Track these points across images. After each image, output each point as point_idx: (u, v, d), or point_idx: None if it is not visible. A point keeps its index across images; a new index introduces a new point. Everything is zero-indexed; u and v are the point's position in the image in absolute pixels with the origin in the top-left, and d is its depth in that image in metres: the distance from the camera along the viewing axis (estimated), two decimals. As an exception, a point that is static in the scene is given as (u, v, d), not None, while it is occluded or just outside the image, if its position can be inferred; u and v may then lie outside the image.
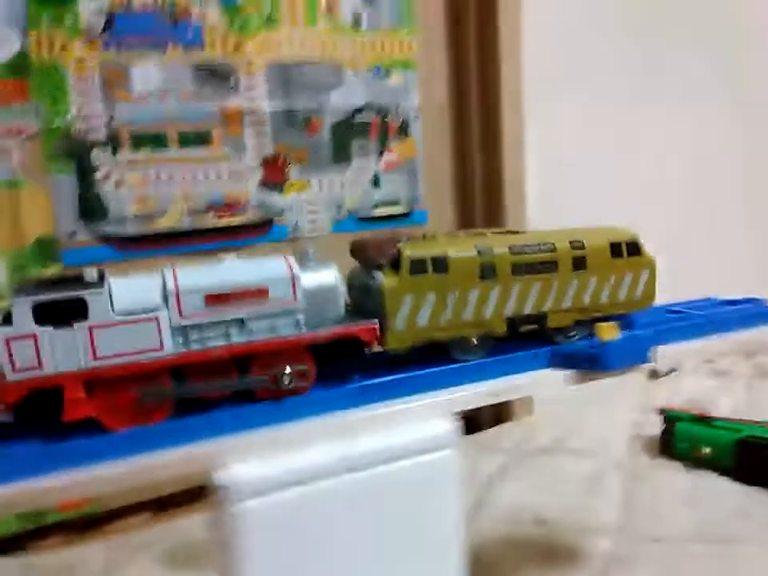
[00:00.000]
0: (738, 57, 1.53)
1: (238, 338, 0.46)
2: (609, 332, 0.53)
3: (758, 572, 0.75)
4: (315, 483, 0.44)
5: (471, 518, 0.90)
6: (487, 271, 0.53)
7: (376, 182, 1.10)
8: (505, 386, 0.54)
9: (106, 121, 0.88)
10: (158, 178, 0.91)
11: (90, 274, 0.45)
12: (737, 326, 0.62)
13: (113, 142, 0.89)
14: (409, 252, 0.51)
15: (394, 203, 1.12)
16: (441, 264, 0.51)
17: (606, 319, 0.56)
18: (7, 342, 0.41)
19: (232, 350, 0.46)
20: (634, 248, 0.59)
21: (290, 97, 1.00)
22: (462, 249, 0.53)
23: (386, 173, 1.11)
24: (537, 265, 0.55)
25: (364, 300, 0.52)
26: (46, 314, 0.42)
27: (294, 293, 0.47)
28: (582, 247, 0.57)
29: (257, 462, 0.44)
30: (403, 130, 1.11)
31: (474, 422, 1.27)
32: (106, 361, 0.43)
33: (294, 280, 0.47)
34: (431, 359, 0.53)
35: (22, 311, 0.41)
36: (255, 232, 0.99)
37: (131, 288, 0.45)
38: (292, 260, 0.48)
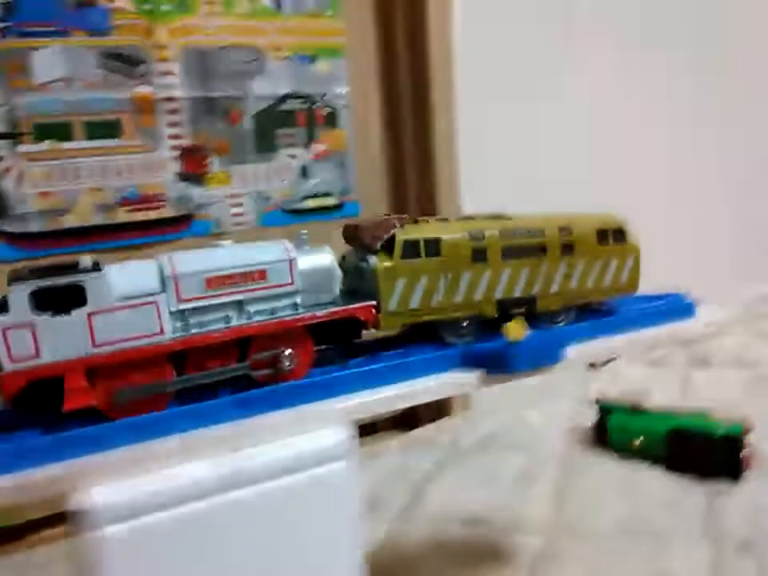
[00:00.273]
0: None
1: (237, 321, 0.46)
2: (516, 332, 0.51)
3: (683, 566, 0.74)
4: (189, 504, 0.41)
5: (400, 518, 0.88)
6: (478, 255, 0.54)
7: (305, 174, 1.06)
8: (409, 390, 0.51)
9: (5, 111, 0.82)
10: (64, 171, 0.86)
11: (85, 261, 0.44)
12: (651, 322, 0.60)
13: (13, 134, 0.83)
14: (402, 236, 0.52)
15: (325, 195, 1.09)
16: (434, 247, 0.52)
17: (588, 305, 0.60)
18: (4, 331, 0.40)
19: (233, 332, 0.45)
20: (621, 235, 0.61)
21: (208, 84, 0.95)
22: (453, 233, 0.54)
23: (316, 164, 1.07)
24: (526, 249, 0.56)
25: (357, 283, 0.53)
26: (44, 301, 0.41)
27: (292, 275, 0.48)
28: (570, 233, 0.58)
29: (125, 482, 0.40)
30: (332, 119, 1.07)
31: (411, 417, 1.25)
32: (106, 347, 0.42)
33: (291, 263, 0.48)
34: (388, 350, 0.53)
35: (19, 299, 0.40)
36: (174, 227, 0.94)
37: (129, 273, 0.44)
38: (289, 244, 0.49)
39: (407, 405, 0.50)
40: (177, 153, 0.94)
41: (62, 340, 0.41)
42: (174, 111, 0.93)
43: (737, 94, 1.63)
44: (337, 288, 0.51)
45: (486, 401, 1.25)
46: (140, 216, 0.91)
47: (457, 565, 0.78)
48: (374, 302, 0.50)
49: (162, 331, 0.44)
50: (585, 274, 0.59)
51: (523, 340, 0.51)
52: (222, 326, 0.46)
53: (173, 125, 0.93)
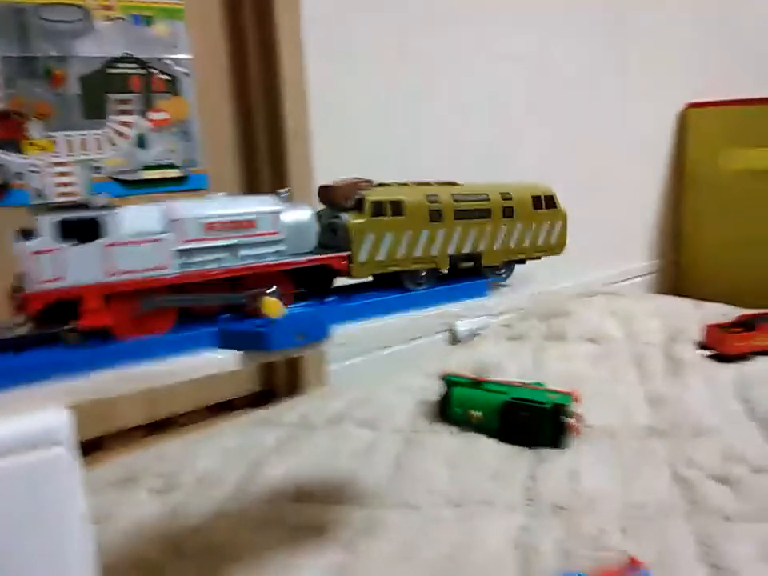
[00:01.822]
0: None
1: (229, 262, 0.53)
2: (273, 309, 0.49)
3: (496, 531, 0.77)
4: None
5: (233, 496, 0.87)
6: (435, 215, 0.62)
7: (142, 143, 1.01)
8: (159, 370, 0.48)
9: None
10: None
11: (96, 200, 0.48)
12: (435, 301, 0.61)
13: None
14: (371, 196, 0.59)
15: (168, 166, 1.04)
16: (397, 208, 0.60)
17: (522, 262, 0.68)
18: (33, 254, 0.45)
19: (227, 271, 0.52)
20: (551, 201, 0.70)
21: (25, 43, 0.88)
22: (414, 196, 0.61)
23: (155, 133, 1.02)
24: (474, 211, 0.64)
25: (330, 237, 0.59)
26: (69, 232, 0.46)
27: (277, 226, 0.55)
28: (510, 198, 0.66)
29: None
30: (173, 86, 1.02)
31: (266, 394, 1.24)
32: (120, 276, 0.48)
33: (277, 215, 0.55)
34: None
35: (47, 227, 0.45)
36: (-15, 197, 0.87)
37: (140, 214, 0.50)
38: (275, 198, 0.56)
39: (153, 385, 0.48)
40: (-12, 116, 0.87)
41: (82, 267, 0.47)
42: (-17, 71, 0.85)
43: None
44: (315, 240, 0.57)
45: (342, 377, 1.25)
46: (-56, 184, 0.84)
47: (282, 539, 0.77)
48: (348, 253, 0.57)
49: (167, 266, 0.50)
50: (522, 235, 0.68)
51: (282, 317, 0.49)
52: (217, 266, 0.52)
53: (-18, 85, 0.86)
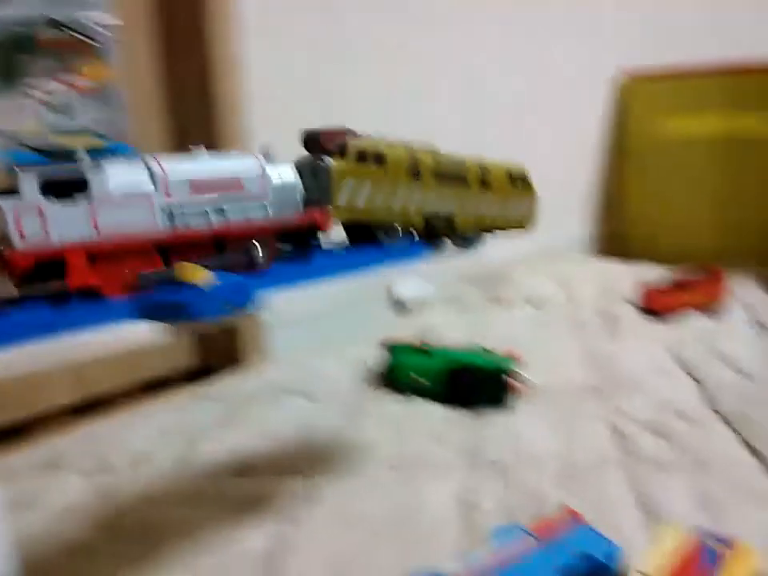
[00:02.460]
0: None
1: (216, 220, 0.53)
2: (194, 276, 0.46)
3: (438, 491, 0.77)
4: None
5: (169, 474, 0.84)
6: (415, 172, 0.64)
7: (62, 110, 0.95)
8: (74, 345, 0.45)
9: None
10: None
11: (82, 153, 0.47)
12: (365, 266, 0.59)
13: None
14: (355, 143, 0.60)
15: (89, 134, 0.99)
16: (380, 158, 0.61)
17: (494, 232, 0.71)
18: (16, 212, 0.43)
19: (213, 230, 0.52)
20: (525, 180, 0.74)
21: None
22: (396, 150, 0.63)
23: (76, 99, 0.96)
24: (453, 177, 0.67)
25: (311, 183, 0.59)
26: (52, 188, 0.45)
27: (264, 186, 0.55)
28: (489, 172, 0.70)
29: None
30: (95, 51, 0.97)
31: (203, 369, 1.21)
32: (106, 234, 0.47)
33: (263, 175, 0.55)
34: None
35: (30, 184, 0.44)
36: None
37: (124, 171, 0.48)
38: (261, 158, 0.56)
39: (70, 361, 0.45)
40: None
41: (67, 225, 0.45)
42: None
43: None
44: (300, 198, 0.58)
45: (283, 349, 1.23)
46: None
47: (222, 514, 0.75)
48: (328, 209, 0.59)
49: (153, 224, 0.49)
50: (495, 206, 0.71)
51: (206, 285, 0.46)
52: (204, 224, 0.52)
53: None
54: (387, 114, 1.35)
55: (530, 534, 0.57)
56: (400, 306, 1.40)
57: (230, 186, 0.53)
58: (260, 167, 0.55)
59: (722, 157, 1.70)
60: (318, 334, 1.29)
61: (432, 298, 1.46)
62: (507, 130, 1.59)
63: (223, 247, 0.53)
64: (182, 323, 0.47)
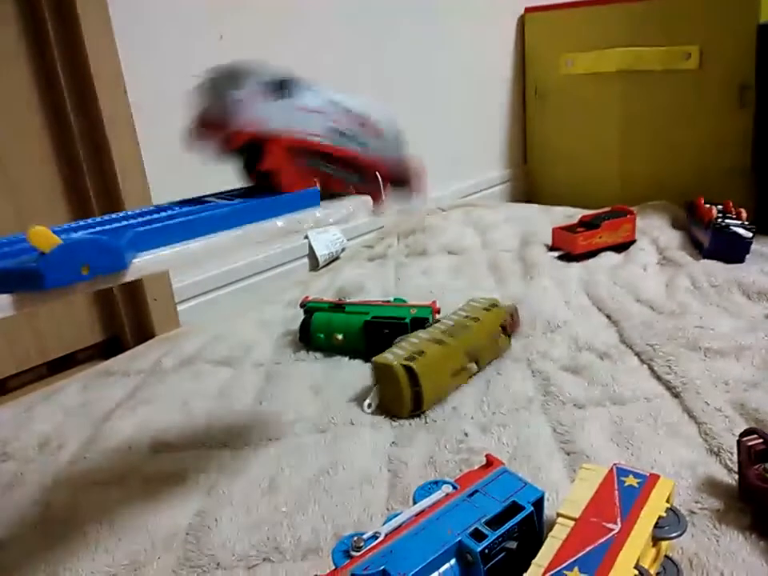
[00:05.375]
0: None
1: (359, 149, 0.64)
2: (44, 239, 0.40)
3: (363, 451, 0.75)
4: None
5: (79, 455, 0.79)
6: None
7: None
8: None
9: None
10: None
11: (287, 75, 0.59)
12: (257, 217, 0.55)
13: None
14: None
15: None
16: None
17: None
18: (242, 101, 0.56)
19: (359, 157, 0.63)
20: (504, 329, 0.94)
21: None
22: None
23: None
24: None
25: None
26: (271, 88, 0.58)
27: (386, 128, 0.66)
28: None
29: None
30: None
31: (112, 343, 1.14)
32: (298, 133, 0.59)
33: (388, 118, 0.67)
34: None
35: (256, 83, 0.57)
36: None
37: (313, 92, 0.61)
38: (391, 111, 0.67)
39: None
40: None
41: (276, 117, 0.57)
42: None
43: None
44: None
45: (196, 316, 1.18)
46: None
47: (137, 494, 0.71)
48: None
49: (323, 136, 0.61)
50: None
51: (56, 248, 0.41)
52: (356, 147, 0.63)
53: None
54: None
55: (453, 486, 0.57)
56: (316, 262, 1.36)
57: (368, 125, 0.64)
58: (393, 117, 0.66)
59: (622, 90, 1.69)
60: (231, 298, 1.23)
61: (349, 253, 1.42)
62: (420, 81, 1.55)
63: (361, 174, 0.64)
64: (31, 294, 0.41)
